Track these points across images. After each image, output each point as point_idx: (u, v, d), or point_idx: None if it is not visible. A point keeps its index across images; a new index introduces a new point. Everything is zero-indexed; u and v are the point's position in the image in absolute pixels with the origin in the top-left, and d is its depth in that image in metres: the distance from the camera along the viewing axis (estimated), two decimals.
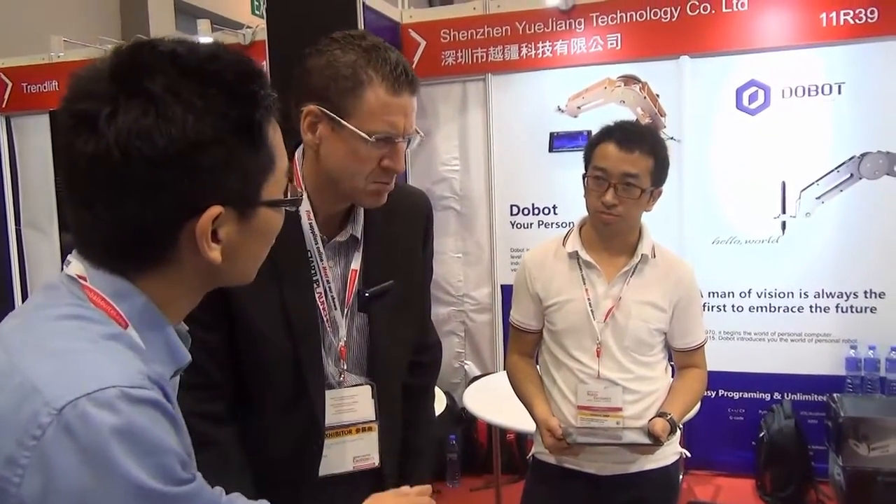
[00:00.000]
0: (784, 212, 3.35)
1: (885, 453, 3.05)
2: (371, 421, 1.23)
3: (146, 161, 0.64)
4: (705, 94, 3.39)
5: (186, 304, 0.76)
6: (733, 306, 3.45)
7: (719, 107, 3.39)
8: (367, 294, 1.21)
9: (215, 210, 0.68)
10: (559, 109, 3.55)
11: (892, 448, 3.04)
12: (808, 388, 3.40)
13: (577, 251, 1.69)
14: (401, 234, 1.27)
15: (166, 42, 0.69)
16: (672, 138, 3.34)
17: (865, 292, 3.29)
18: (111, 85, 0.65)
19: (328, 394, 1.19)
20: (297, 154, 1.18)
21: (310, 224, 1.15)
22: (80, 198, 0.68)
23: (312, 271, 1.17)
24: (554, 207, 3.62)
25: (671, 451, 1.71)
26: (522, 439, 3.52)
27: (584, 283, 1.68)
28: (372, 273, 1.22)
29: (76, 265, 0.70)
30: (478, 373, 3.73)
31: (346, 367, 1.22)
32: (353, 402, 1.22)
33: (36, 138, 4.53)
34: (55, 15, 5.50)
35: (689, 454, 1.73)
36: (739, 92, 3.35)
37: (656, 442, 1.58)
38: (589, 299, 1.66)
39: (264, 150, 0.71)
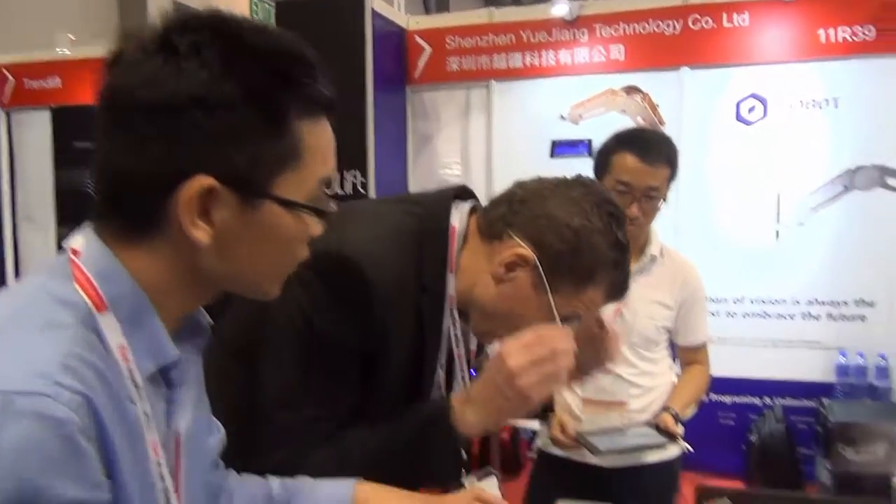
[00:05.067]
0: (778, 221, 3.44)
1: (872, 458, 3.13)
2: None
3: (146, 107, 0.60)
4: (704, 104, 3.48)
5: (180, 299, 0.67)
6: (727, 312, 3.53)
7: (718, 117, 3.47)
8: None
9: (206, 180, 0.61)
10: (561, 117, 3.63)
11: (880, 452, 3.12)
12: (798, 394, 3.47)
13: None
14: None
15: (236, 15, 0.65)
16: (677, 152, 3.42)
17: (856, 301, 3.38)
18: (153, 38, 0.62)
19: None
20: (457, 233, 1.04)
21: (452, 319, 1.04)
22: (95, 145, 0.64)
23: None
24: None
25: (674, 446, 1.77)
26: (517, 438, 3.58)
27: None
28: None
29: (77, 237, 0.66)
30: None
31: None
32: None
33: (35, 133, 4.57)
34: (55, 13, 5.51)
35: (691, 449, 1.79)
36: (738, 104, 3.44)
37: (672, 438, 1.64)
38: None
39: (288, 138, 0.64)
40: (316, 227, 0.69)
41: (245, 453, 0.93)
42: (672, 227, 3.40)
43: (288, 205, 0.65)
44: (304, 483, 0.89)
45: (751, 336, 3.51)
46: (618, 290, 1.03)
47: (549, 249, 0.97)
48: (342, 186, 3.28)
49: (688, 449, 1.80)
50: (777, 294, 3.47)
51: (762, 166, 3.42)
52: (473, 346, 1.13)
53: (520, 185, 1.05)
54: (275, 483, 0.89)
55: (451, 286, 1.01)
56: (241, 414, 0.94)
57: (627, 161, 1.63)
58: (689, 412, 2.22)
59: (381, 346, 0.98)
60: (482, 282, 1.01)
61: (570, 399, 1.75)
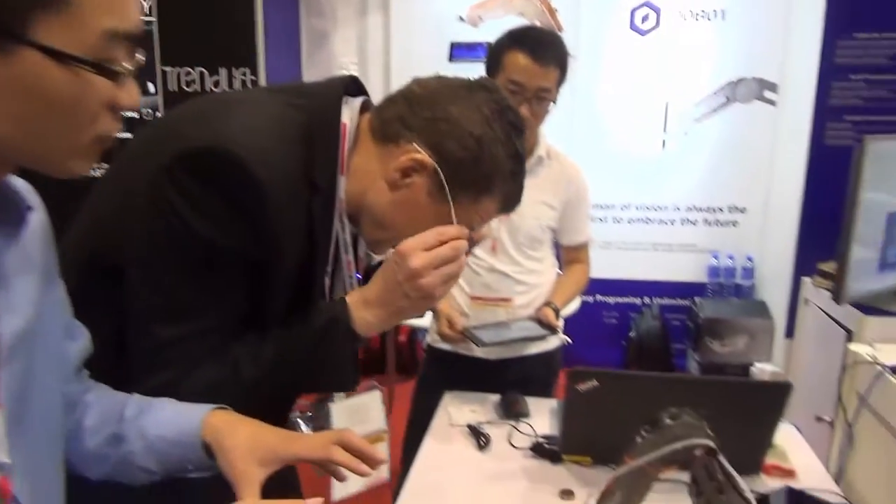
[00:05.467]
0: (665, 131, 3.58)
1: (734, 349, 3.46)
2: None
3: None
4: (600, 11, 3.50)
5: None
6: (614, 218, 3.70)
7: (613, 26, 3.51)
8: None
9: None
10: (460, 18, 3.55)
11: (741, 344, 3.45)
12: (674, 294, 3.75)
13: None
14: None
15: None
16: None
17: (730, 207, 3.62)
18: None
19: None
20: (348, 131, 0.95)
21: (342, 224, 0.97)
22: None
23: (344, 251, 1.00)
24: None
25: (555, 337, 1.87)
26: (413, 340, 3.69)
27: None
28: None
29: None
30: None
31: None
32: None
33: None
34: None
35: (570, 340, 1.90)
36: (633, 12, 3.49)
37: (552, 331, 1.73)
38: None
39: None
40: (108, 90, 0.58)
41: (123, 382, 0.85)
42: (566, 134, 3.49)
43: (53, 54, 0.54)
44: (159, 402, 0.83)
45: (634, 240, 3.72)
46: (511, 201, 1.00)
47: (449, 156, 0.91)
48: (230, 84, 3.11)
49: (567, 341, 1.91)
50: (660, 201, 3.66)
51: (653, 76, 3.52)
52: (362, 252, 1.06)
53: (418, 83, 0.96)
54: (132, 401, 0.82)
55: (342, 189, 0.94)
56: (112, 341, 0.86)
57: (520, 60, 1.61)
58: (573, 308, 2.35)
59: (271, 252, 0.88)
60: (375, 187, 0.95)
61: (457, 296, 1.80)
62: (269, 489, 0.77)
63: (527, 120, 1.63)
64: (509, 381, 1.77)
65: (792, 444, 1.49)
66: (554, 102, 1.70)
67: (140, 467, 0.79)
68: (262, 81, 3.06)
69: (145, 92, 3.69)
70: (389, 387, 3.19)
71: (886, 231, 2.35)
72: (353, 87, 0.99)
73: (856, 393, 1.28)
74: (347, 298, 0.95)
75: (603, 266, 3.72)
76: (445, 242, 0.90)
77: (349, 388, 1.03)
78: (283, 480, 0.82)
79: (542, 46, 1.62)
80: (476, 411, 1.66)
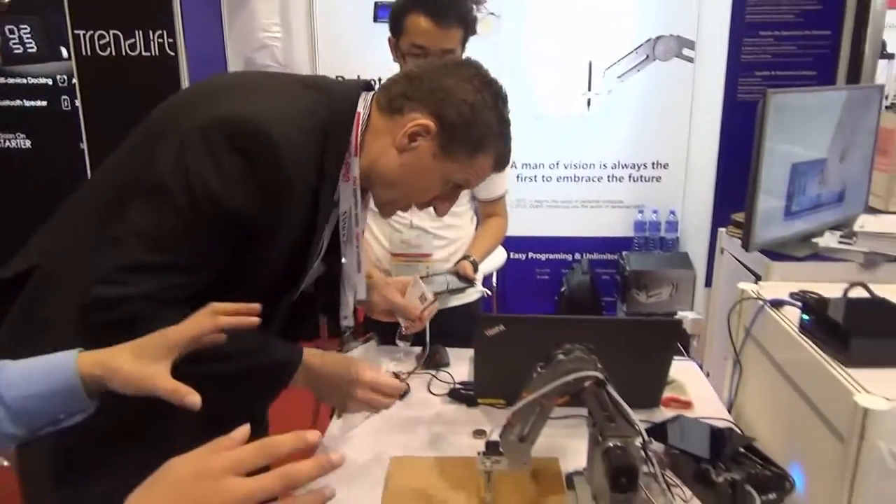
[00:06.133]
0: (590, 89, 3.65)
1: (659, 299, 3.61)
2: None
3: None
4: None
5: None
6: (543, 177, 3.77)
7: None
8: None
9: None
10: None
11: (665, 294, 3.60)
12: (603, 249, 3.86)
13: None
14: None
15: None
16: (492, 13, 3.46)
17: (653, 163, 3.74)
18: None
19: None
20: (361, 119, 1.12)
21: (354, 190, 1.13)
22: None
23: (345, 232, 1.19)
24: (379, 80, 3.64)
25: (474, 291, 1.93)
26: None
27: None
28: None
29: None
30: None
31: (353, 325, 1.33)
32: None
33: None
34: None
35: (489, 293, 1.96)
36: None
37: (471, 283, 1.78)
38: None
39: None
40: None
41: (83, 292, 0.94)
42: None
43: None
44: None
45: (563, 198, 3.80)
46: (502, 159, 1.17)
47: (447, 121, 1.09)
48: (147, 48, 3.02)
49: (486, 293, 1.97)
50: (587, 159, 3.75)
51: (576, 35, 3.57)
52: (359, 229, 1.21)
53: (415, 65, 1.18)
54: None
55: (356, 168, 1.09)
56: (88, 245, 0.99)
57: (421, 24, 1.62)
58: (499, 261, 2.41)
59: (271, 225, 1.01)
60: (385, 154, 1.11)
61: (378, 253, 1.84)
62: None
63: None
64: (432, 334, 1.82)
65: (691, 379, 1.59)
66: None
67: (4, 434, 0.79)
68: (181, 45, 2.98)
69: (58, 57, 3.56)
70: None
71: (790, 181, 2.48)
72: (368, 87, 1.18)
73: (743, 327, 1.37)
74: (306, 356, 1.14)
75: (534, 224, 3.83)
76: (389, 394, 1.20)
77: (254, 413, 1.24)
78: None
79: (441, 8, 1.63)
80: (399, 363, 1.71)
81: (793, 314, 1.24)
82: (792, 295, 1.29)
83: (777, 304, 1.31)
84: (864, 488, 0.96)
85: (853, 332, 1.07)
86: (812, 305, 1.19)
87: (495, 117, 1.12)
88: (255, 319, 0.93)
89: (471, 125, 1.10)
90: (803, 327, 1.19)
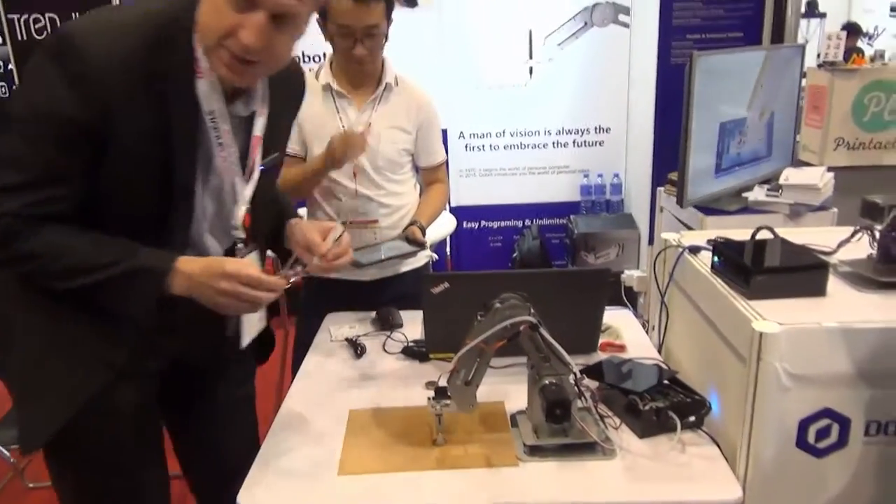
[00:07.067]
0: (531, 58, 3.74)
1: (606, 260, 3.76)
2: None
3: None
4: None
5: None
6: (490, 146, 3.87)
7: None
8: (262, 167, 1.23)
9: None
10: None
11: (612, 255, 3.75)
12: (551, 214, 3.99)
13: (329, 83, 1.85)
14: (280, 109, 1.27)
15: None
16: None
17: (596, 128, 3.86)
18: None
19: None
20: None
21: (210, 83, 1.10)
22: None
23: (216, 134, 1.14)
24: (323, 55, 3.67)
25: (423, 255, 2.02)
26: None
27: (338, 112, 1.86)
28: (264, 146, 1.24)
29: None
30: None
31: (244, 236, 1.25)
32: None
33: None
34: None
35: (437, 256, 2.05)
36: None
37: (421, 246, 1.87)
38: (343, 126, 1.84)
39: None
40: None
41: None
42: (439, 68, 3.58)
43: None
44: None
45: (511, 166, 3.91)
46: None
47: None
48: None
49: (434, 257, 2.07)
50: (532, 126, 3.85)
51: (516, 4, 3.64)
52: (259, 132, 1.21)
53: None
54: None
55: (204, 60, 1.09)
56: None
57: (343, 4, 1.68)
58: (448, 228, 2.50)
59: (106, 124, 1.05)
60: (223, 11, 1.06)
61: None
62: None
63: (363, 57, 1.74)
64: (385, 299, 1.91)
65: (626, 325, 1.72)
66: (386, 37, 1.79)
67: None
68: None
69: None
70: (284, 325, 3.26)
71: (720, 139, 2.62)
72: None
73: (667, 273, 1.49)
74: (182, 260, 1.14)
75: (485, 193, 3.93)
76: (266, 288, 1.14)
77: (145, 323, 1.18)
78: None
79: None
80: (354, 327, 1.80)
81: (708, 258, 1.37)
82: (708, 241, 1.42)
83: (694, 250, 1.44)
84: (762, 403, 1.09)
85: (754, 269, 1.19)
86: (721, 249, 1.32)
87: None
88: None
89: None
90: (714, 268, 1.32)
